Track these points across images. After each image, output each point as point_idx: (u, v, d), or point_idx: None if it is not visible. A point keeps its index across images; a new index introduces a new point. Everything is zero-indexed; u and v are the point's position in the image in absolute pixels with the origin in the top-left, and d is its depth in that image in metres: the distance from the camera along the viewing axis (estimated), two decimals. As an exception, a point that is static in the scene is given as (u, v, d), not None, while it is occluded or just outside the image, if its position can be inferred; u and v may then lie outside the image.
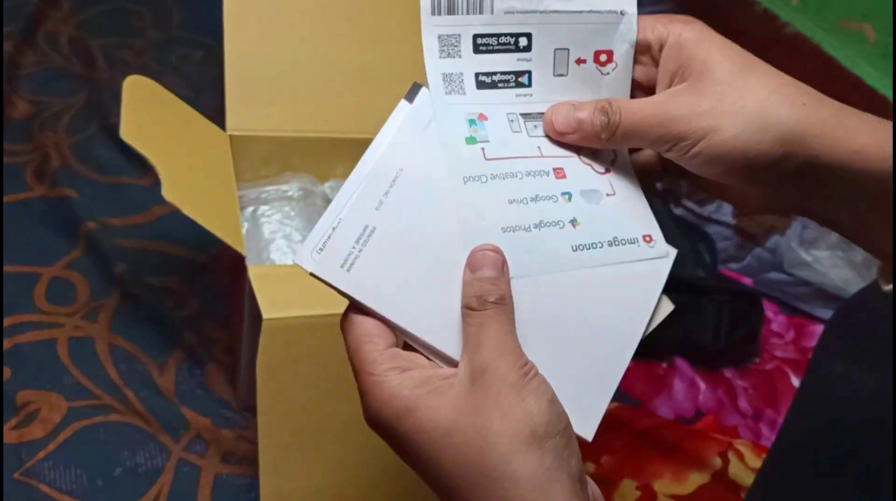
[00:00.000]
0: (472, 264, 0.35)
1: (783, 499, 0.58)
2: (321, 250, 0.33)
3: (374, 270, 0.33)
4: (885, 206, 0.35)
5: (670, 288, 0.77)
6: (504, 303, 0.34)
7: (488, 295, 0.34)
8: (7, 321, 0.70)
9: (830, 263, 0.88)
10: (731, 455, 0.68)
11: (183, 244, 0.79)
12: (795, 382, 0.77)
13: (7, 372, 0.66)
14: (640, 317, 0.38)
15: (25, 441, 0.61)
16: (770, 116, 0.34)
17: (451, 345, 0.34)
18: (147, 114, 0.62)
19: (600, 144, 0.38)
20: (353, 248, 0.33)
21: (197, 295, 0.75)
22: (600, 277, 0.37)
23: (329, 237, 0.34)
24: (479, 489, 0.31)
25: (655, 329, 0.78)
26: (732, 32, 1.14)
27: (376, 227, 0.34)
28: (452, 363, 0.34)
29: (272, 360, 0.55)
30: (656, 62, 0.38)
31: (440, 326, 0.34)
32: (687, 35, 0.37)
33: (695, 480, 0.67)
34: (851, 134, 0.35)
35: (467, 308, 0.34)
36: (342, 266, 0.33)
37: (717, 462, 0.68)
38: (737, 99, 0.35)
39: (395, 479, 0.59)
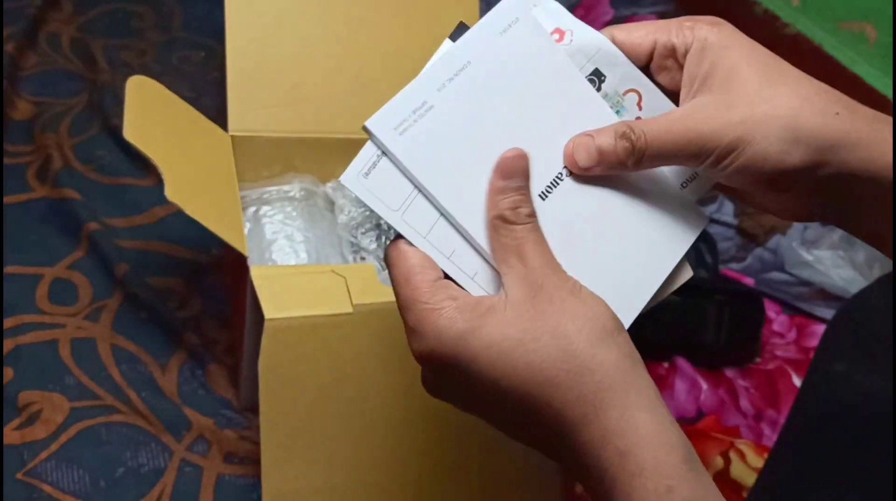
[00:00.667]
0: (505, 170, 0.34)
1: (785, 499, 0.58)
2: (381, 113, 0.34)
3: (424, 142, 0.34)
4: None
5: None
6: (535, 217, 0.34)
7: (523, 207, 0.33)
8: (9, 322, 0.70)
9: (832, 263, 0.88)
10: (732, 455, 0.68)
11: (185, 245, 0.80)
12: (797, 382, 0.77)
13: (9, 373, 0.66)
14: (668, 259, 0.38)
15: (28, 441, 0.62)
16: (802, 128, 0.34)
17: (482, 235, 0.34)
18: (150, 114, 0.62)
19: (628, 170, 0.36)
20: (410, 117, 0.34)
21: (199, 296, 0.75)
22: (643, 203, 0.38)
23: (390, 103, 0.34)
24: (564, 387, 0.31)
25: (657, 330, 0.78)
26: (733, 33, 1.09)
27: (434, 105, 0.35)
28: (472, 265, 0.34)
29: (274, 360, 0.55)
30: (681, 67, 0.37)
31: (477, 213, 0.34)
32: (712, 39, 0.36)
33: (696, 480, 0.67)
34: (885, 145, 0.34)
35: (502, 220, 0.33)
36: (395, 128, 0.34)
37: (719, 461, 0.68)
38: (767, 110, 0.34)
39: (397, 479, 0.59)
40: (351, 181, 0.35)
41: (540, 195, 0.35)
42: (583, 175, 0.36)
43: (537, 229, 0.34)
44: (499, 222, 0.34)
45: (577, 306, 0.32)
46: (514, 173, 0.34)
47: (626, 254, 0.37)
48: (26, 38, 1.00)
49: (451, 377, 0.33)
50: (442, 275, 0.34)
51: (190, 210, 0.56)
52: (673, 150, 0.35)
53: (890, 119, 0.35)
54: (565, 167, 0.36)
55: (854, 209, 0.36)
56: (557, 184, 0.36)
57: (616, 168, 0.36)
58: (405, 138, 0.34)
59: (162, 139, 0.61)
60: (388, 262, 0.35)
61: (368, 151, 0.35)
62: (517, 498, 0.63)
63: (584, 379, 0.31)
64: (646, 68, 0.39)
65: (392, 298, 0.57)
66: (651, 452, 0.31)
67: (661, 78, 0.39)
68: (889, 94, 1.00)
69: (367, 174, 0.35)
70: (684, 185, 0.39)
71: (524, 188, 0.34)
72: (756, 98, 0.34)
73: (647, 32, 0.38)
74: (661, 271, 0.38)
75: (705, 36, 0.37)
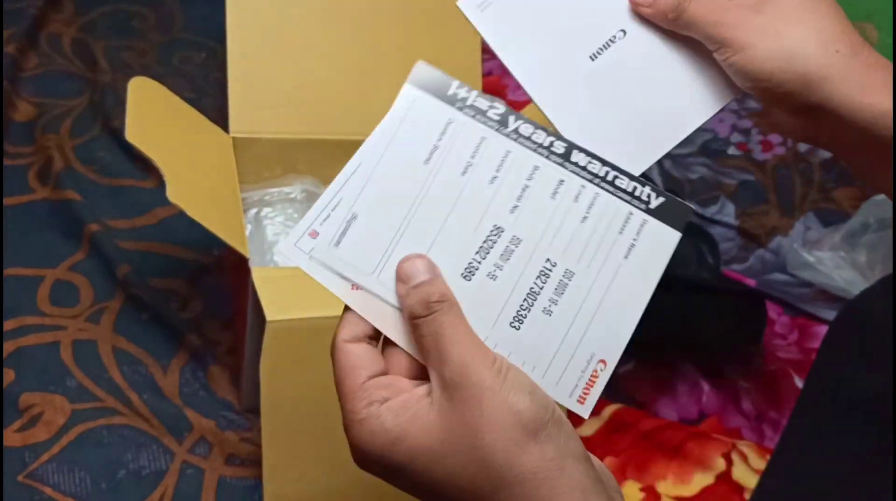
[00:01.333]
0: (403, 276, 0.34)
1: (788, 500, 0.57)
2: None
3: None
4: (885, 155, 0.38)
5: (674, 289, 0.77)
6: (448, 300, 0.34)
7: (430, 297, 0.33)
8: (11, 324, 0.70)
9: (833, 264, 0.88)
10: (734, 457, 0.68)
11: (186, 246, 0.80)
12: (799, 383, 0.77)
13: (11, 375, 0.66)
14: (692, 119, 0.41)
15: (29, 443, 0.62)
16: (798, 52, 0.37)
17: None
18: (152, 116, 0.62)
19: (665, 23, 0.41)
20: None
21: (200, 297, 0.75)
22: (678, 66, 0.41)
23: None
24: (486, 496, 0.31)
25: (658, 331, 0.77)
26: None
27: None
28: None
29: (276, 362, 0.55)
30: None
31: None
32: None
33: (698, 481, 0.67)
34: (869, 89, 0.37)
35: (414, 319, 0.33)
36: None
37: (721, 463, 0.68)
38: (781, 26, 0.38)
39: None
40: (304, 256, 0.35)
41: (591, 56, 0.40)
42: (638, 18, 0.41)
43: (451, 313, 0.33)
44: (414, 323, 0.34)
45: (495, 406, 0.31)
46: (411, 276, 0.34)
47: (655, 105, 0.40)
48: (27, 39, 1.00)
49: (391, 478, 0.34)
50: (379, 370, 0.34)
51: (191, 212, 0.56)
52: (701, 24, 0.39)
53: (889, 66, 0.38)
54: (620, 30, 0.41)
55: (834, 139, 0.40)
56: (609, 45, 0.40)
57: (660, 15, 0.41)
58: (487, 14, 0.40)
59: (164, 141, 0.61)
60: (331, 357, 0.35)
61: (334, 216, 0.35)
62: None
63: (505, 491, 0.31)
64: None
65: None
66: None
67: None
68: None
69: (337, 243, 0.35)
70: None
71: (427, 282, 0.34)
72: (780, 12, 0.38)
73: None
74: (681, 129, 0.41)
75: None
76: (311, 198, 0.72)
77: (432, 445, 0.32)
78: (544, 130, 0.37)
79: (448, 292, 0.34)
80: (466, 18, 0.41)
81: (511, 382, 0.32)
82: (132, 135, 0.57)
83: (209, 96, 0.97)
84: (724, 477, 0.67)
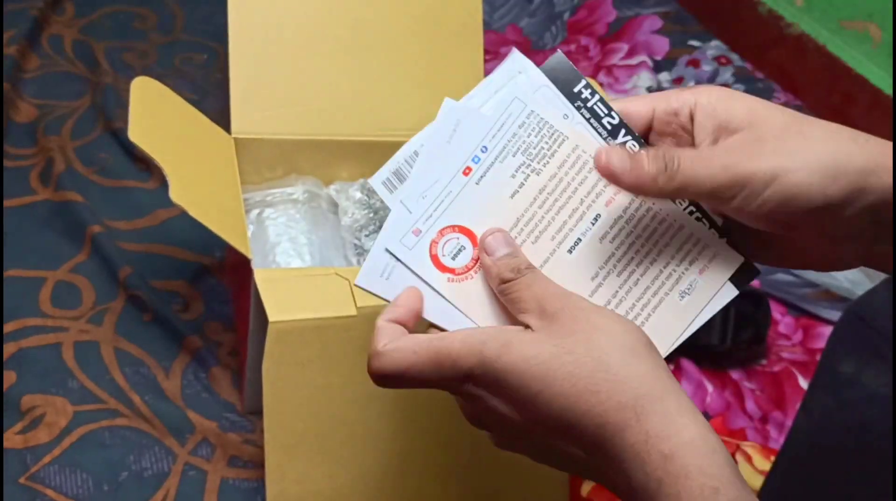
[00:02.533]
0: (488, 249, 0.37)
1: (792, 501, 0.57)
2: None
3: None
4: None
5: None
6: (534, 269, 0.36)
7: (520, 264, 0.36)
8: (12, 326, 0.69)
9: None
10: (739, 458, 0.68)
11: (188, 248, 0.79)
12: (803, 384, 0.77)
13: (13, 376, 0.66)
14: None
15: (31, 445, 0.61)
16: (841, 155, 0.33)
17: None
18: (154, 116, 0.62)
19: (655, 192, 0.35)
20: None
21: (202, 298, 0.75)
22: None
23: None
24: (603, 395, 0.32)
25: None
26: (737, 33, 1.16)
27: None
28: None
29: (278, 363, 0.55)
30: (686, 129, 0.37)
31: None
32: (717, 94, 0.36)
33: (702, 482, 0.66)
34: None
35: (503, 281, 0.36)
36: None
37: (725, 464, 0.67)
38: (801, 140, 0.33)
39: (401, 482, 0.59)
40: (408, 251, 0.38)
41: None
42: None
43: (538, 273, 0.36)
44: (502, 287, 0.36)
45: (605, 322, 0.34)
46: (494, 249, 0.37)
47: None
48: (28, 41, 0.99)
49: (490, 398, 0.34)
50: None
51: (194, 212, 0.56)
52: (705, 176, 0.33)
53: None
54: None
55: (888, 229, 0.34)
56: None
57: (645, 185, 0.35)
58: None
59: (166, 141, 0.60)
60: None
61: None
62: (522, 501, 0.63)
63: (622, 388, 0.32)
64: (646, 138, 0.38)
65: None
66: (695, 455, 0.31)
67: (665, 143, 0.38)
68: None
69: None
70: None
71: (511, 253, 0.37)
72: (786, 133, 0.33)
73: (644, 102, 0.38)
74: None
75: (710, 92, 0.36)
76: (312, 198, 0.72)
77: (546, 347, 0.33)
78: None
79: (530, 264, 0.37)
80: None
81: (610, 311, 0.35)
82: (135, 135, 0.57)
83: (210, 97, 0.97)
84: (729, 478, 0.66)
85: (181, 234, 0.80)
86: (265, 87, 0.70)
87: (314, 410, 0.56)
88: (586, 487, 0.65)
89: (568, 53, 1.15)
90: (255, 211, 0.70)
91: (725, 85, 1.08)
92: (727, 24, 1.18)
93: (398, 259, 0.38)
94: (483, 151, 0.39)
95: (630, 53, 1.12)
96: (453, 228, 0.38)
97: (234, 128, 0.69)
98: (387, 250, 0.38)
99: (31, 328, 0.70)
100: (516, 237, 0.38)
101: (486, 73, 1.10)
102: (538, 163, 0.38)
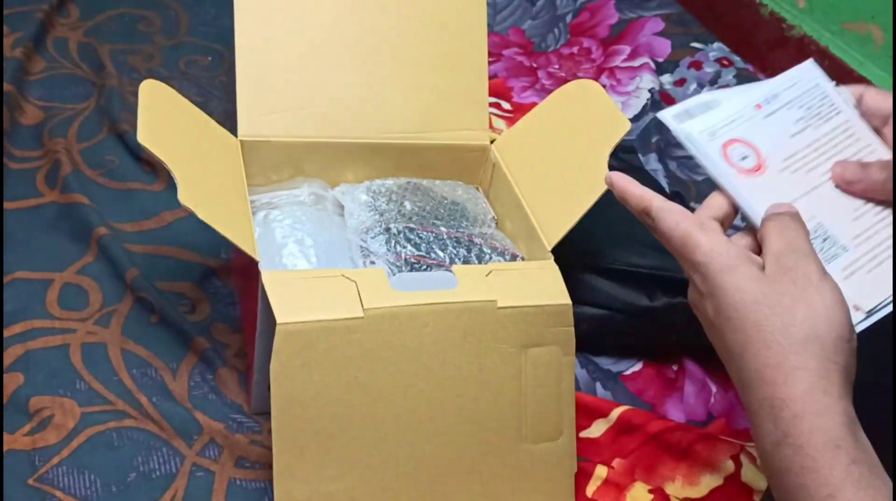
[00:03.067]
0: (775, 209, 0.48)
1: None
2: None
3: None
4: None
5: (682, 291, 0.76)
6: (800, 219, 0.46)
7: (790, 208, 0.46)
8: (20, 327, 0.70)
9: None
10: (743, 458, 0.68)
11: (194, 249, 0.80)
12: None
13: (20, 378, 0.66)
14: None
15: (39, 446, 0.62)
16: None
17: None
18: (162, 118, 0.62)
19: (884, 195, 0.48)
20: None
21: (209, 300, 0.76)
22: None
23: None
24: (772, 350, 0.41)
25: (665, 332, 0.78)
26: (739, 35, 1.16)
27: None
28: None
29: (286, 364, 0.55)
30: None
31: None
32: None
33: (707, 483, 0.67)
34: None
35: (770, 213, 0.46)
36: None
37: (730, 465, 0.68)
38: None
39: (410, 483, 0.59)
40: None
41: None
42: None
43: (797, 222, 0.45)
44: (767, 215, 0.47)
45: (814, 298, 0.41)
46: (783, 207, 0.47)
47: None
48: (34, 43, 1.00)
49: (699, 288, 0.46)
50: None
51: (202, 214, 0.56)
52: None
53: None
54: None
55: None
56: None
57: (877, 190, 0.49)
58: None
59: (174, 143, 0.61)
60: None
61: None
62: (528, 502, 0.63)
63: (790, 355, 0.40)
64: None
65: (402, 302, 0.58)
66: (819, 419, 0.39)
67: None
68: (896, 95, 1.00)
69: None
70: None
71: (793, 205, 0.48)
72: None
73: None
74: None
75: None
76: (319, 201, 0.72)
77: (754, 289, 0.42)
78: None
79: (800, 216, 0.47)
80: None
81: (829, 287, 0.43)
82: (143, 137, 0.58)
83: (215, 99, 0.97)
84: (733, 479, 0.67)
85: (187, 236, 0.80)
86: (271, 89, 0.71)
87: (322, 411, 0.56)
88: (592, 487, 0.66)
89: (570, 56, 1.16)
90: (262, 213, 0.70)
91: (727, 87, 1.09)
92: (729, 26, 1.18)
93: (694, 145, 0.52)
94: (774, 98, 0.53)
95: (632, 55, 1.12)
96: (742, 141, 0.52)
97: (240, 131, 0.70)
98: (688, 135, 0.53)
99: (39, 329, 0.70)
100: (791, 166, 0.51)
101: (490, 74, 1.10)
102: (816, 121, 0.52)
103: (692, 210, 0.92)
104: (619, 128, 0.66)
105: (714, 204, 0.51)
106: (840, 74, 1.06)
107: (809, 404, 0.39)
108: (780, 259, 0.44)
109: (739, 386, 0.44)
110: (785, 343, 0.41)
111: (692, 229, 0.47)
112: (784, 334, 0.41)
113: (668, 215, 0.49)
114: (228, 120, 0.70)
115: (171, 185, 0.83)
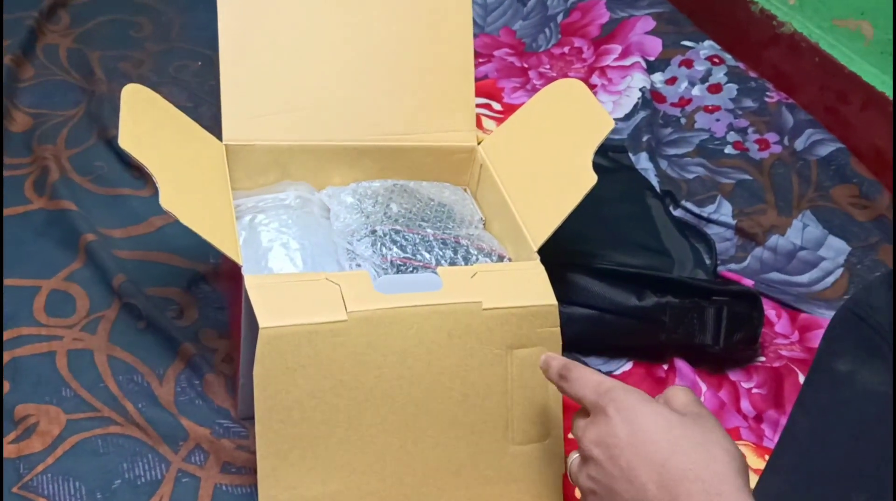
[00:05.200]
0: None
1: (787, 500, 0.57)
2: None
3: None
4: None
5: (671, 291, 0.76)
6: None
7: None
8: (7, 334, 0.70)
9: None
10: (733, 458, 0.68)
11: (183, 255, 0.80)
12: (803, 381, 0.77)
13: (7, 386, 0.66)
14: None
15: (24, 454, 0.62)
16: None
17: None
18: (145, 122, 0.62)
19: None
20: None
21: (197, 305, 0.75)
22: None
23: None
24: (705, 480, 0.45)
25: (656, 332, 0.79)
26: (730, 33, 1.16)
27: None
28: None
29: (270, 368, 0.55)
30: None
31: None
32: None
33: (698, 483, 0.66)
34: None
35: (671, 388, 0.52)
36: None
37: (720, 464, 0.67)
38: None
39: (396, 487, 0.59)
40: None
41: None
42: None
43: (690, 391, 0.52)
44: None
45: (721, 438, 0.47)
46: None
47: None
48: (24, 50, 1.00)
49: (618, 427, 0.49)
50: None
51: (184, 219, 0.56)
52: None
53: None
54: None
55: None
56: None
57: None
58: None
59: (157, 147, 0.61)
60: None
61: None
62: (517, 504, 0.63)
63: (712, 468, 0.45)
64: None
65: (386, 304, 0.57)
66: None
67: None
68: (888, 91, 0.99)
69: None
70: None
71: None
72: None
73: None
74: None
75: None
76: (305, 204, 0.72)
77: (675, 417, 0.48)
78: None
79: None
80: None
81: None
82: (125, 141, 0.57)
83: (206, 104, 0.97)
84: (723, 479, 0.66)
85: (176, 241, 0.80)
86: (256, 93, 0.71)
87: (306, 415, 0.56)
88: (581, 489, 0.65)
89: (561, 56, 1.16)
90: (248, 217, 0.70)
91: (718, 84, 1.08)
92: (720, 24, 1.18)
93: None
94: None
95: (623, 54, 1.12)
96: None
97: (225, 135, 0.69)
98: None
99: (26, 336, 0.70)
100: None
101: (481, 75, 1.10)
102: None
103: (685, 209, 0.92)
104: (603, 127, 0.66)
105: None
106: (831, 70, 1.05)
107: None
108: (689, 407, 0.49)
109: (657, 493, 0.46)
110: (707, 455, 0.46)
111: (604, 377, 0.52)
112: (705, 449, 0.46)
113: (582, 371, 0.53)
114: (218, 125, 0.70)
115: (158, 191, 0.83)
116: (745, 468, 0.47)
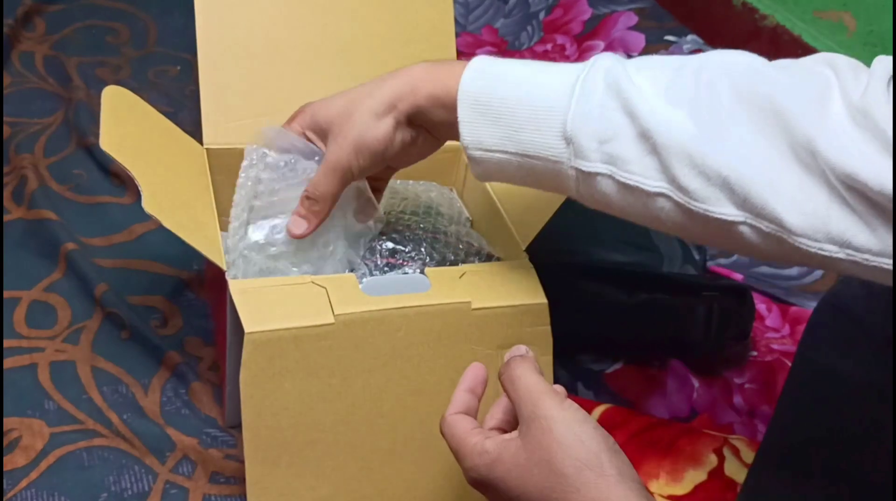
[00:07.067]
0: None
1: (774, 494, 0.57)
2: None
3: None
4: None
5: (660, 287, 0.76)
6: (524, 358, 0.46)
7: (516, 352, 0.47)
8: (-15, 348, 0.68)
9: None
10: (726, 452, 0.67)
11: (165, 262, 0.78)
12: (792, 375, 0.76)
13: (-13, 400, 0.64)
14: None
15: (7, 469, 0.60)
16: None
17: None
18: (126, 125, 0.61)
19: None
20: None
21: (180, 313, 0.74)
22: None
23: None
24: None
25: (646, 330, 0.77)
26: (713, 26, 1.15)
27: None
28: None
29: (256, 374, 0.54)
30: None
31: None
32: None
33: (691, 478, 0.66)
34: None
35: (505, 367, 0.46)
36: None
37: (713, 459, 0.67)
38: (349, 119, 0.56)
39: (387, 490, 0.58)
40: None
41: None
42: None
43: (526, 359, 0.46)
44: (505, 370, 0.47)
45: (564, 433, 0.41)
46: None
47: None
48: (-1, 59, 0.99)
49: (492, 490, 0.44)
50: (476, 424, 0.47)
51: (168, 223, 0.55)
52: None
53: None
54: None
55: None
56: None
57: None
58: None
59: (138, 150, 0.60)
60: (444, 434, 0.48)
61: None
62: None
63: (574, 494, 0.40)
64: None
65: (373, 306, 0.57)
66: None
67: None
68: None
69: None
70: None
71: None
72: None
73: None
74: None
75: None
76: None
77: (521, 463, 0.42)
78: None
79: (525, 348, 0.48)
80: None
81: (574, 414, 0.42)
82: (106, 144, 0.56)
83: (185, 109, 0.96)
84: (717, 473, 0.66)
85: (158, 248, 0.79)
86: (236, 96, 0.70)
87: (294, 421, 0.55)
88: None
89: (544, 53, 1.15)
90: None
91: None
92: (703, 17, 1.18)
93: None
94: None
95: (607, 50, 1.12)
96: None
97: (206, 139, 0.68)
98: None
99: (6, 349, 0.68)
100: None
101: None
102: None
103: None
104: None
105: (457, 400, 0.49)
106: (814, 62, 1.05)
107: None
108: (522, 411, 0.44)
109: None
110: (559, 486, 0.41)
111: (455, 442, 0.47)
112: (555, 480, 0.41)
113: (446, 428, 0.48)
114: (199, 130, 0.69)
115: (140, 197, 0.81)
116: (607, 458, 0.41)
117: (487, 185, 0.71)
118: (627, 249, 0.79)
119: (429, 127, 0.56)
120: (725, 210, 0.44)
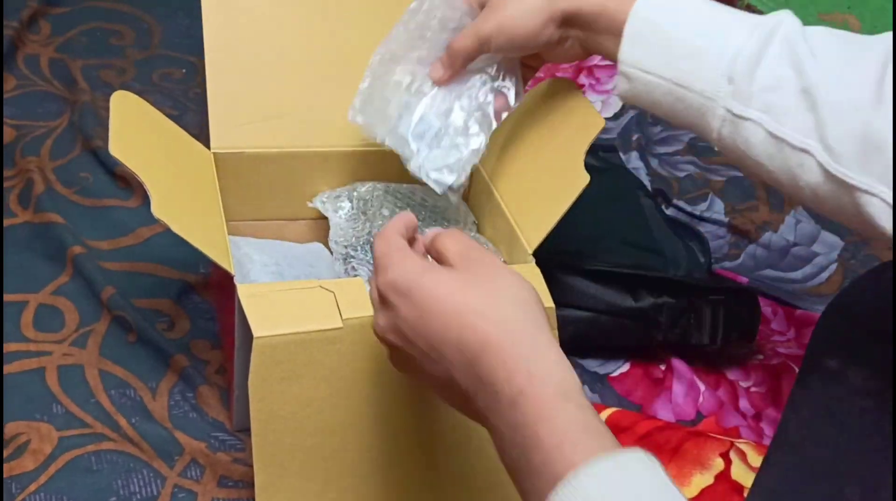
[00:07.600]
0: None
1: (783, 497, 0.57)
2: None
3: None
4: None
5: (666, 290, 0.76)
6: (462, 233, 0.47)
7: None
8: (-7, 351, 0.68)
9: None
10: (733, 455, 0.67)
11: (171, 265, 0.78)
12: (798, 378, 0.76)
13: (-5, 404, 0.65)
14: None
15: (16, 473, 0.60)
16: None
17: None
18: (134, 130, 0.61)
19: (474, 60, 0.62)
20: None
21: (187, 316, 0.74)
22: None
23: None
24: (490, 319, 0.41)
25: (651, 332, 0.77)
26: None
27: None
28: None
29: (265, 378, 0.54)
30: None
31: None
32: None
33: (698, 482, 0.66)
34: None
35: (435, 233, 0.46)
36: None
37: (720, 463, 0.67)
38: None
39: (397, 494, 0.58)
40: None
41: None
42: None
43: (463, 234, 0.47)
44: (441, 232, 0.47)
45: (506, 273, 0.43)
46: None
47: None
48: (4, 61, 0.98)
49: (405, 313, 0.43)
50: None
51: (176, 228, 0.55)
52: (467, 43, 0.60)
53: None
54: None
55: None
56: None
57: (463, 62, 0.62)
58: None
59: (147, 155, 0.60)
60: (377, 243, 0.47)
61: None
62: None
63: (507, 326, 0.40)
64: None
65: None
66: (558, 373, 0.39)
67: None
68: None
69: None
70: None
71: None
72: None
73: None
74: None
75: None
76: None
77: (456, 277, 0.42)
78: None
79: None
80: None
81: (506, 268, 0.44)
82: (115, 149, 0.56)
83: (190, 112, 0.96)
84: (723, 477, 0.66)
85: (164, 251, 0.79)
86: (243, 100, 0.70)
87: (302, 424, 0.55)
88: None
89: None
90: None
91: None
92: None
93: None
94: None
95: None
96: None
97: (213, 143, 0.69)
98: None
99: (14, 353, 0.69)
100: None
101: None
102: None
103: (677, 207, 0.92)
104: (594, 126, 0.65)
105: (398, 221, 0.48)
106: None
107: (539, 356, 0.39)
108: (465, 255, 0.44)
109: (461, 367, 0.41)
110: (498, 314, 0.40)
111: (388, 251, 0.46)
112: (495, 306, 0.41)
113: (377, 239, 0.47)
114: (204, 133, 0.69)
115: (146, 200, 0.81)
116: (537, 310, 0.42)
117: (493, 188, 0.72)
118: (633, 252, 0.79)
119: (582, 33, 0.57)
120: (865, 179, 0.44)
